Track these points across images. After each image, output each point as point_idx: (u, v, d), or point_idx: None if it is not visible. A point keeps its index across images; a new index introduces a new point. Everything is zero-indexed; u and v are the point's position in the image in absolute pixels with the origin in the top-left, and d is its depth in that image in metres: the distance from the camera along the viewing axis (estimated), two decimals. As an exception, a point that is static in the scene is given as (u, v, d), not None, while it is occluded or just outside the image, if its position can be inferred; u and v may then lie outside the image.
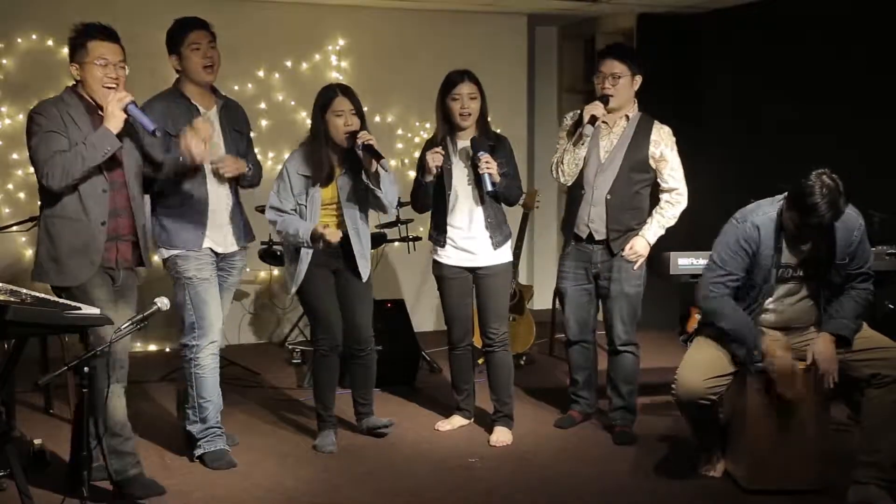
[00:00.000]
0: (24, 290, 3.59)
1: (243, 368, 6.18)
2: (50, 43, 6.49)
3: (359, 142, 4.45)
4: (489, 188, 4.58)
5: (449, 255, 4.82)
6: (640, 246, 4.76)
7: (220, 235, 4.50)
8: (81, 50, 3.92)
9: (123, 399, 4.06)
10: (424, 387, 5.89)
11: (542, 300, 7.77)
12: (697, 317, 4.45)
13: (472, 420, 5.11)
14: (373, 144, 4.44)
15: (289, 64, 7.10)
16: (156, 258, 4.64)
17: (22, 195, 6.50)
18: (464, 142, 4.72)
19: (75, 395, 4.51)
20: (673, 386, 4.15)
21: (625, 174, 4.74)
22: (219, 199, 4.48)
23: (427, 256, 5.15)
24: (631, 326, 4.85)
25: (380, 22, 7.26)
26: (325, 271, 4.67)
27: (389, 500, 4.17)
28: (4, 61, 6.47)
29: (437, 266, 4.88)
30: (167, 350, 6.73)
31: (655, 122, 4.80)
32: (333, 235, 4.45)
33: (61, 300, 3.68)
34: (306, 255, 4.60)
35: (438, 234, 4.84)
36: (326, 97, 4.54)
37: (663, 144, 4.75)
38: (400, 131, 7.40)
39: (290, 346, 6.59)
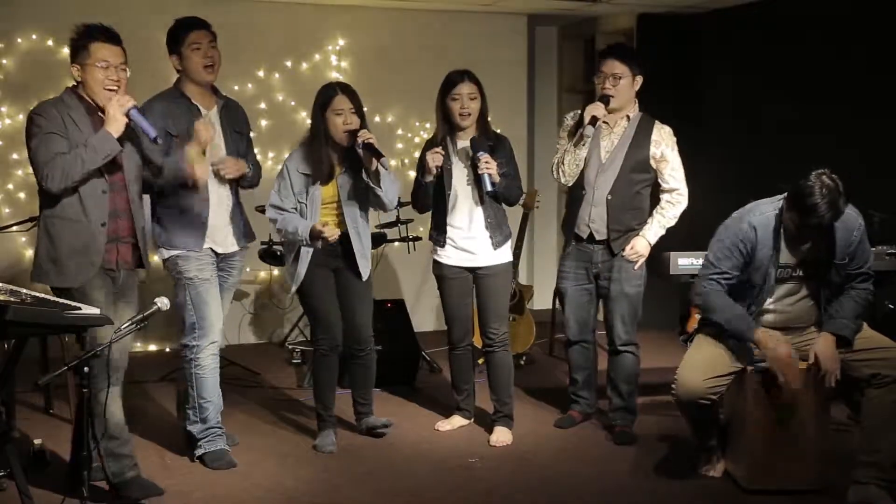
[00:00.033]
0: (24, 290, 3.59)
1: (243, 368, 6.19)
2: (50, 43, 6.49)
3: (359, 140, 4.46)
4: (488, 188, 4.58)
5: (449, 255, 4.82)
6: (640, 246, 4.76)
7: (220, 235, 4.50)
8: (83, 51, 3.91)
9: (120, 401, 4.06)
10: (424, 387, 5.89)
11: (542, 300, 7.77)
12: (697, 317, 4.45)
13: (472, 420, 5.11)
14: (373, 143, 4.44)
15: (289, 64, 7.10)
16: (155, 258, 4.64)
17: (22, 195, 6.50)
18: (464, 142, 4.72)
19: (75, 395, 4.52)
20: (673, 386, 4.15)
21: (626, 174, 4.74)
22: (219, 199, 4.48)
23: (427, 256, 5.15)
24: (631, 326, 4.85)
25: (380, 22, 7.26)
26: (325, 271, 4.67)
27: (389, 500, 4.17)
28: (4, 61, 6.47)
29: (437, 266, 4.88)
30: (167, 350, 6.73)
31: (656, 122, 4.80)
32: (331, 233, 4.45)
33: (61, 300, 3.68)
34: (306, 254, 4.60)
35: (438, 234, 4.84)
36: (326, 95, 4.55)
37: (664, 145, 4.75)
38: (400, 131, 7.40)
39: (290, 346, 6.59)
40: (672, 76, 7.16)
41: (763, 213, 4.06)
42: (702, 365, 4.11)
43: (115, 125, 3.88)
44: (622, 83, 4.71)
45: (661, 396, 5.10)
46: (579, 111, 4.87)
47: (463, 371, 5.03)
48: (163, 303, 3.65)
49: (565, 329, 5.02)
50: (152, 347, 6.87)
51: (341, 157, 4.59)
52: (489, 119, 4.80)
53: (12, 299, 3.40)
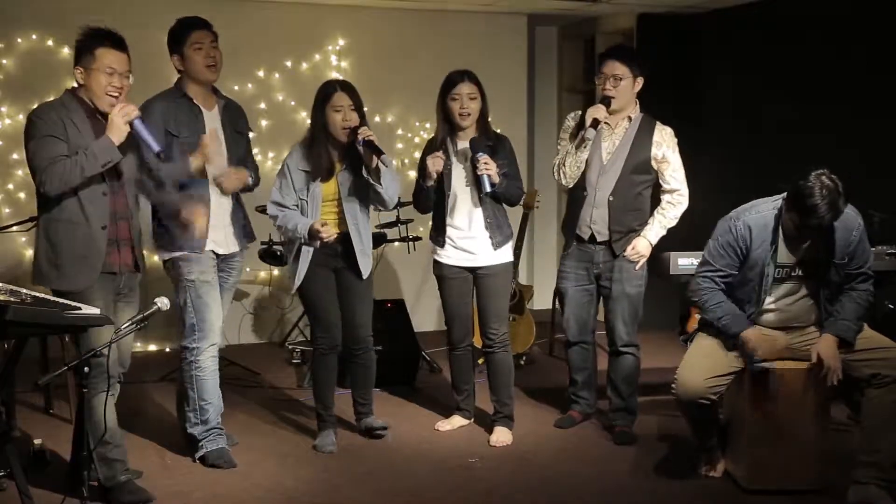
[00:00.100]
0: (24, 290, 3.59)
1: (243, 368, 6.18)
2: (50, 43, 6.49)
3: (359, 138, 4.46)
4: (487, 189, 4.58)
5: (449, 255, 4.82)
6: (641, 246, 4.76)
7: (220, 236, 4.50)
8: (88, 55, 3.90)
9: (113, 407, 4.05)
10: (424, 387, 5.89)
11: (542, 300, 7.77)
12: (697, 317, 4.46)
13: (472, 420, 5.11)
14: (373, 140, 4.44)
15: (289, 64, 7.10)
16: (155, 258, 4.64)
17: (22, 195, 6.49)
18: (464, 142, 4.72)
19: (75, 396, 4.52)
20: (673, 385, 4.15)
21: (627, 176, 4.74)
22: (220, 199, 4.48)
23: (427, 256, 5.15)
24: (632, 327, 4.85)
25: (380, 22, 7.26)
26: (325, 271, 4.67)
27: (389, 500, 4.17)
28: (4, 61, 6.47)
29: (438, 266, 4.88)
30: (167, 350, 6.73)
31: (657, 123, 4.80)
32: (329, 234, 4.45)
33: (61, 300, 3.68)
34: (307, 253, 4.60)
35: (438, 234, 4.84)
36: (326, 92, 4.55)
37: (665, 146, 4.75)
38: (400, 131, 7.40)
39: (290, 346, 6.59)
40: (672, 76, 7.16)
41: (760, 212, 4.07)
42: (702, 365, 4.11)
43: (118, 133, 3.87)
44: (623, 84, 4.71)
45: (661, 396, 5.10)
46: (580, 112, 4.87)
47: (463, 371, 5.03)
48: (163, 303, 3.65)
49: (565, 330, 5.02)
50: (152, 347, 6.87)
51: (341, 155, 4.59)
52: (489, 119, 4.80)
53: (12, 299, 3.40)
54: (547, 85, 8.38)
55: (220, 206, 4.49)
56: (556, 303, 5.85)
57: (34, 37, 6.49)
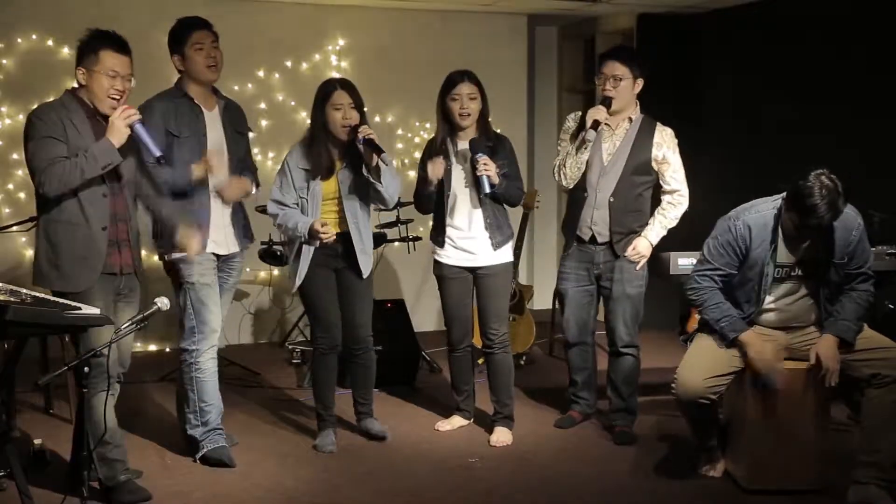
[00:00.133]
0: (24, 290, 3.59)
1: (243, 368, 6.18)
2: (50, 43, 6.48)
3: (359, 136, 4.46)
4: (486, 190, 4.58)
5: (449, 255, 4.82)
6: (642, 246, 4.76)
7: (220, 237, 4.50)
8: (92, 56, 3.89)
9: (113, 407, 4.05)
10: (424, 387, 5.89)
11: (542, 300, 7.77)
12: (697, 317, 4.46)
13: (472, 420, 5.11)
14: (373, 139, 4.44)
15: (289, 64, 7.10)
16: (155, 258, 4.64)
17: (22, 195, 6.49)
18: (464, 143, 4.72)
19: (75, 395, 4.52)
20: (673, 385, 4.15)
21: (628, 177, 4.74)
22: (221, 203, 4.47)
23: (427, 256, 5.15)
24: (633, 328, 4.85)
25: (380, 22, 7.26)
26: (326, 271, 4.67)
27: (389, 500, 4.17)
28: (4, 61, 6.47)
29: (438, 266, 4.88)
30: (167, 350, 6.73)
31: (658, 124, 4.80)
32: (328, 235, 4.45)
33: (61, 300, 3.67)
34: (307, 252, 4.60)
35: (438, 233, 4.84)
36: (326, 91, 4.55)
37: (666, 147, 4.75)
38: (400, 131, 7.40)
39: (290, 346, 6.59)
40: (672, 76, 7.16)
41: (759, 211, 4.07)
42: (702, 364, 4.11)
43: (118, 136, 3.87)
44: (623, 85, 4.71)
45: (661, 396, 5.10)
46: (580, 113, 4.87)
47: (462, 372, 5.03)
48: (163, 303, 3.65)
49: (565, 331, 5.01)
50: (152, 347, 6.87)
51: (342, 153, 4.59)
52: (490, 119, 4.80)
53: (12, 299, 3.40)
54: (547, 85, 8.38)
55: (221, 207, 4.48)
56: (556, 304, 5.85)
57: (34, 37, 6.48)
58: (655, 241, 4.80)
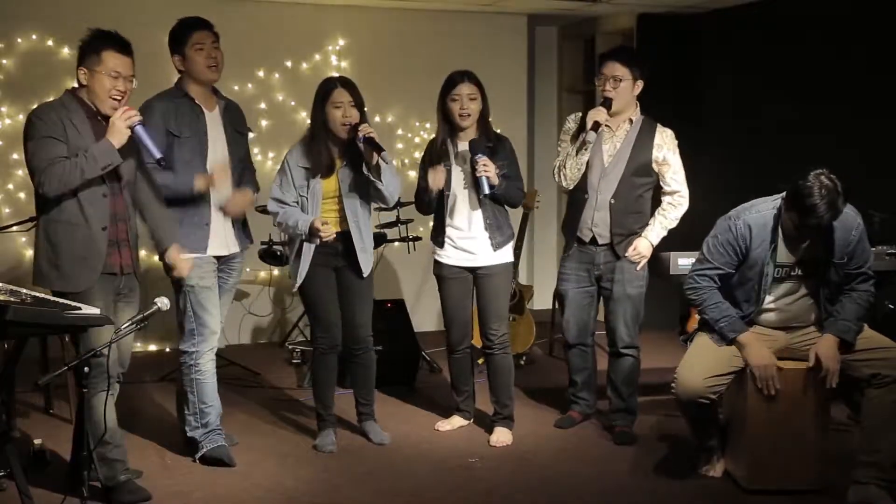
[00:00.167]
0: (24, 290, 3.58)
1: (243, 368, 6.19)
2: (50, 43, 6.48)
3: (360, 134, 4.46)
4: (486, 191, 4.58)
5: (449, 255, 4.82)
6: (643, 247, 4.76)
7: (220, 237, 4.50)
8: (94, 56, 3.88)
9: (113, 407, 4.05)
10: (424, 387, 5.89)
11: (542, 300, 7.77)
12: (697, 317, 4.46)
13: (472, 421, 5.11)
14: (374, 137, 4.44)
15: (289, 64, 7.10)
16: (155, 258, 4.64)
17: (22, 195, 6.49)
18: (464, 143, 4.71)
19: (75, 395, 4.51)
20: (672, 384, 4.15)
21: (628, 178, 4.74)
22: (221, 200, 4.47)
23: (427, 256, 5.15)
24: (634, 329, 4.85)
25: (380, 22, 7.26)
26: (326, 270, 4.66)
27: (389, 500, 4.16)
28: (4, 61, 6.47)
29: (438, 266, 4.88)
30: (167, 350, 6.73)
31: (658, 125, 4.80)
32: (327, 233, 4.45)
33: (61, 300, 3.67)
34: (308, 251, 4.59)
35: (438, 234, 4.84)
36: (326, 89, 4.55)
37: (666, 148, 4.75)
38: (400, 131, 7.40)
39: (290, 346, 6.59)
40: (672, 76, 7.16)
41: (759, 211, 4.07)
42: (702, 364, 4.11)
43: (118, 137, 3.86)
44: (622, 86, 4.71)
45: (661, 396, 5.10)
46: (580, 114, 4.87)
47: (462, 373, 5.02)
48: (163, 303, 3.65)
49: (564, 332, 5.01)
50: (152, 347, 6.87)
51: (342, 151, 4.59)
52: (490, 120, 4.80)
53: (12, 299, 3.40)
54: (547, 85, 8.38)
55: (218, 208, 4.48)
56: (556, 304, 5.85)
57: (34, 37, 6.48)
58: (656, 241, 4.80)
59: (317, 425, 4.84)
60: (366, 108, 4.61)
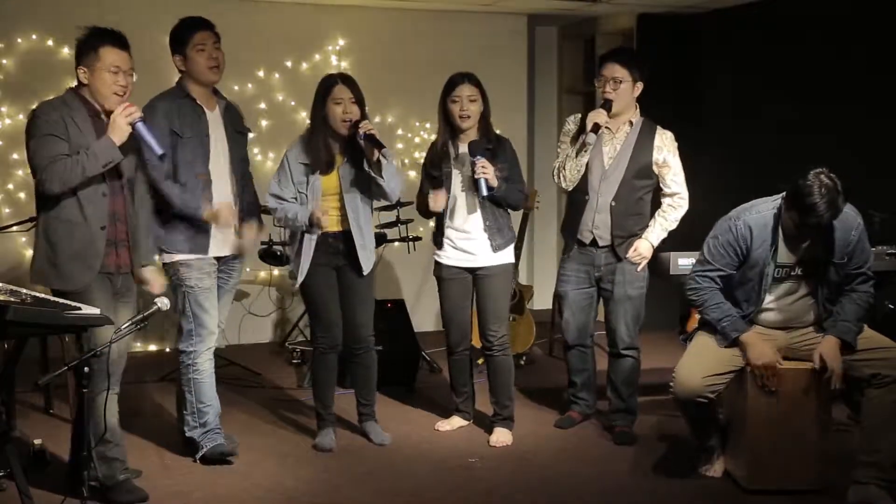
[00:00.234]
0: (24, 290, 3.58)
1: (243, 368, 6.19)
2: (50, 43, 6.49)
3: (360, 131, 4.46)
4: (484, 193, 4.58)
5: (448, 256, 4.82)
6: (643, 248, 4.76)
7: (221, 238, 4.49)
8: (92, 54, 3.88)
9: (115, 405, 4.05)
10: (424, 387, 5.89)
11: (542, 300, 7.77)
12: (697, 317, 4.46)
13: (472, 421, 5.11)
14: (374, 134, 4.44)
15: (289, 64, 7.10)
16: (155, 258, 4.63)
17: (22, 195, 6.50)
18: (465, 145, 4.71)
19: (75, 395, 4.51)
20: (671, 383, 4.15)
21: (629, 181, 4.74)
22: (220, 201, 4.47)
23: (427, 256, 5.15)
24: (634, 329, 4.84)
25: (380, 22, 7.26)
26: (327, 269, 4.66)
27: (389, 500, 4.16)
28: (4, 61, 6.48)
29: (437, 267, 4.88)
30: (167, 350, 6.73)
31: (658, 127, 4.80)
32: (326, 222, 4.45)
33: (61, 300, 3.67)
34: (308, 249, 4.59)
35: (438, 234, 4.85)
36: (326, 85, 4.56)
37: (666, 150, 4.75)
38: (400, 131, 7.40)
39: (290, 346, 6.59)
40: (672, 76, 7.16)
41: (760, 212, 4.07)
42: (701, 363, 4.11)
43: (119, 134, 3.86)
44: (622, 87, 4.70)
45: (661, 396, 5.09)
46: (580, 115, 4.87)
47: (461, 375, 5.02)
48: (163, 303, 3.65)
49: (564, 333, 5.00)
50: (152, 347, 6.88)
51: (342, 148, 4.59)
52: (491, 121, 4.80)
53: (12, 299, 3.40)
54: (547, 85, 8.38)
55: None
56: (556, 305, 5.85)
57: (34, 37, 6.49)
58: (656, 242, 4.80)
59: (316, 425, 4.84)
60: (366, 108, 4.61)
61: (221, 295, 4.56)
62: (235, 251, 4.52)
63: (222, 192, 4.46)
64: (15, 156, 6.43)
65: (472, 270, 4.81)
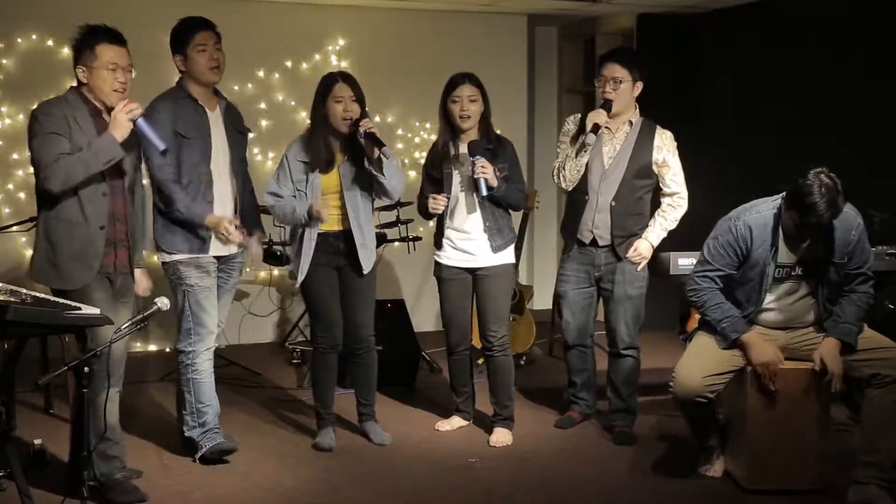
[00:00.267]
0: (24, 290, 3.59)
1: (243, 368, 6.19)
2: (50, 43, 6.49)
3: (360, 129, 4.46)
4: (483, 193, 4.58)
5: (448, 256, 4.82)
6: (643, 248, 4.77)
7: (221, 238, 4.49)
8: (89, 53, 3.88)
9: (117, 403, 4.05)
10: (424, 387, 5.89)
11: (542, 300, 7.77)
12: (697, 317, 4.46)
13: (472, 421, 5.11)
14: (374, 132, 4.44)
15: (289, 64, 7.10)
16: (154, 258, 4.64)
17: (22, 195, 6.49)
18: (465, 145, 4.71)
19: (75, 396, 4.51)
20: (671, 383, 4.15)
21: (629, 181, 4.74)
22: (222, 201, 4.47)
23: (427, 256, 5.16)
24: (634, 329, 4.85)
25: (380, 22, 7.26)
26: (328, 269, 4.66)
27: (389, 500, 4.16)
28: (4, 61, 6.47)
29: (437, 267, 4.88)
30: (167, 350, 6.73)
31: (658, 127, 4.80)
32: (324, 211, 4.46)
33: (61, 300, 3.67)
34: (308, 248, 4.59)
35: (438, 235, 4.85)
36: (327, 83, 4.56)
37: (666, 150, 4.76)
38: (400, 131, 7.40)
39: (290, 346, 6.59)
40: (672, 76, 7.16)
41: (760, 212, 4.08)
42: (700, 363, 4.11)
43: (120, 130, 3.86)
44: (622, 87, 4.70)
45: (661, 396, 5.09)
46: (580, 115, 4.87)
47: (461, 375, 5.02)
48: (163, 303, 3.65)
49: (564, 333, 5.00)
50: (152, 347, 6.88)
51: (343, 146, 4.59)
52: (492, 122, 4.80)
53: (12, 299, 3.40)
54: (547, 85, 8.38)
55: (223, 208, 4.47)
56: (556, 305, 5.84)
57: (34, 37, 6.49)
58: (656, 242, 4.81)
59: (316, 424, 4.84)
60: (366, 108, 4.61)
61: (221, 295, 4.56)
62: (249, 262, 4.58)
63: (223, 191, 4.46)
64: (15, 156, 6.43)
65: (472, 271, 4.81)
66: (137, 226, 4.13)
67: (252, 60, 6.91)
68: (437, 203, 4.68)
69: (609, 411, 4.99)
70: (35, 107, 3.96)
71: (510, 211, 4.84)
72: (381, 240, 6.28)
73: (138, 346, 6.72)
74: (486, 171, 4.56)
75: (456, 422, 5.08)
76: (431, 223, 4.96)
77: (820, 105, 6.30)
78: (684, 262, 4.81)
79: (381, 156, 4.46)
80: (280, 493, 4.22)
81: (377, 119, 7.02)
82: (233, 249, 4.56)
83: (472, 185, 4.65)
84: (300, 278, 4.65)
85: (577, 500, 4.17)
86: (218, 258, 4.49)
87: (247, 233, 4.49)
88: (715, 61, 7.31)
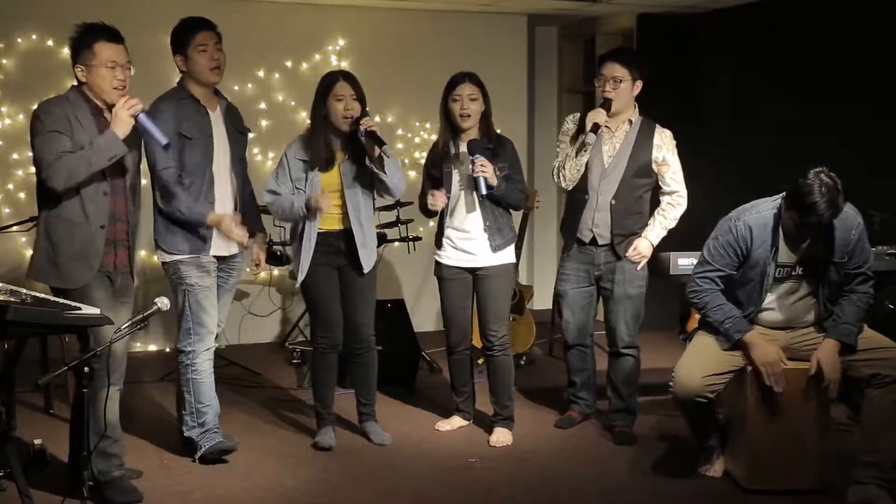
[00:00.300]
0: (24, 290, 3.59)
1: (243, 368, 6.18)
2: (50, 43, 6.49)
3: (361, 128, 4.46)
4: (483, 192, 4.58)
5: (448, 256, 4.82)
6: (643, 247, 4.77)
7: (222, 238, 4.49)
8: (87, 51, 3.89)
9: (117, 402, 4.05)
10: (424, 387, 5.89)
11: (542, 300, 7.77)
12: (697, 317, 4.46)
13: (472, 421, 5.11)
14: (375, 131, 4.44)
15: (289, 64, 7.10)
16: (154, 258, 4.64)
17: (22, 195, 6.49)
18: (465, 144, 4.71)
19: (75, 396, 4.51)
20: (671, 383, 4.15)
21: (629, 179, 4.74)
22: (222, 201, 4.47)
23: (427, 256, 5.16)
24: (634, 329, 4.85)
25: (380, 22, 7.26)
26: (328, 269, 4.66)
27: (389, 500, 4.17)
28: (4, 61, 6.47)
29: (438, 266, 4.88)
30: (167, 350, 6.73)
31: (657, 126, 4.80)
32: (324, 200, 4.45)
33: (61, 300, 3.68)
34: (308, 248, 4.59)
35: (438, 234, 4.85)
36: (328, 82, 4.56)
37: (665, 149, 4.76)
38: (400, 131, 7.40)
39: (290, 346, 6.59)
40: (672, 76, 7.16)
41: (760, 212, 4.08)
42: (700, 363, 4.11)
43: (122, 127, 3.86)
44: (622, 87, 4.71)
45: (661, 396, 5.09)
46: (579, 115, 4.87)
47: (461, 374, 5.02)
48: (163, 303, 3.65)
49: (564, 332, 5.00)
50: (152, 347, 6.87)
51: (343, 145, 4.59)
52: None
53: (12, 299, 3.40)
54: (547, 85, 8.38)
55: (223, 209, 4.48)
56: (556, 306, 5.84)
57: (34, 37, 6.49)
58: (656, 241, 4.81)
59: (316, 424, 4.84)
60: (367, 107, 4.61)
61: (221, 294, 4.56)
62: (251, 264, 4.61)
63: (223, 191, 4.46)
64: (15, 156, 6.42)
65: (472, 270, 4.81)
66: (138, 224, 4.13)
67: (252, 60, 6.91)
68: (436, 199, 4.67)
69: (609, 411, 5.00)
70: (36, 106, 3.96)
71: (510, 210, 4.84)
72: (382, 240, 6.27)
73: (138, 346, 6.72)
74: (486, 170, 4.56)
75: (456, 422, 5.08)
76: (432, 223, 4.96)
77: (820, 105, 6.30)
78: (684, 261, 4.81)
79: (383, 154, 4.47)
80: (280, 493, 4.22)
81: (377, 119, 7.01)
82: (233, 249, 4.56)
83: (472, 183, 4.65)
84: (300, 278, 4.65)
85: (577, 500, 4.17)
86: (218, 258, 4.49)
87: (248, 233, 4.49)
88: (715, 61, 7.31)
